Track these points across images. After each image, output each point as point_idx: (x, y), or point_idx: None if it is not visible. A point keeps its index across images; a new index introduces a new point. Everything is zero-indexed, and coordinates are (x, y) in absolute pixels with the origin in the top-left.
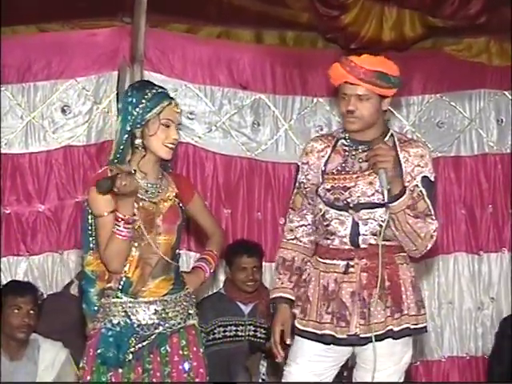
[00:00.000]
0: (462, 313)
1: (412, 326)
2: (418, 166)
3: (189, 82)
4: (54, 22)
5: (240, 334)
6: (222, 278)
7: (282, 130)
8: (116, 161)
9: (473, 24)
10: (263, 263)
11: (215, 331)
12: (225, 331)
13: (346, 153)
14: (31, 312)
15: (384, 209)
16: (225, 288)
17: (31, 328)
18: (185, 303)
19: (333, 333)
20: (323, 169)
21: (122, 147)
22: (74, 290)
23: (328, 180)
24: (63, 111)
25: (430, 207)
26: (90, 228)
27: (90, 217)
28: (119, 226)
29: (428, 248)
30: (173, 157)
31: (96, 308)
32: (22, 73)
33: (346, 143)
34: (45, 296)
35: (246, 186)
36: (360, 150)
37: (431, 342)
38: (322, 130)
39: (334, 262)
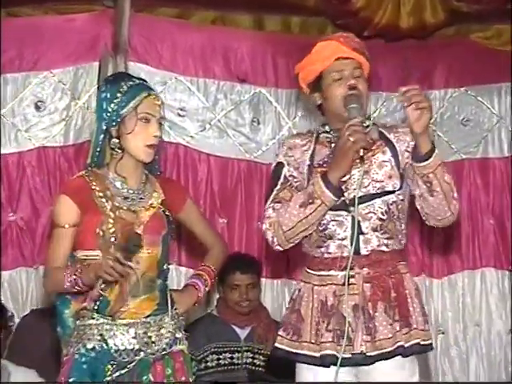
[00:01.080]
0: (490, 336)
1: (422, 342)
2: (412, 140)
3: (179, 75)
4: (25, 5)
5: (236, 361)
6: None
7: (285, 129)
8: (94, 165)
9: (502, 8)
10: (263, 280)
11: (208, 359)
12: (219, 359)
13: (332, 144)
14: None
15: (382, 198)
16: (218, 309)
17: None
18: (171, 326)
19: (334, 352)
20: (309, 163)
21: (98, 149)
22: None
23: (317, 174)
24: (37, 107)
25: None
26: None
27: None
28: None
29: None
30: (159, 157)
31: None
32: None
33: (329, 135)
34: (15, 317)
35: (245, 191)
36: None
37: (455, 370)
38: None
39: (331, 272)
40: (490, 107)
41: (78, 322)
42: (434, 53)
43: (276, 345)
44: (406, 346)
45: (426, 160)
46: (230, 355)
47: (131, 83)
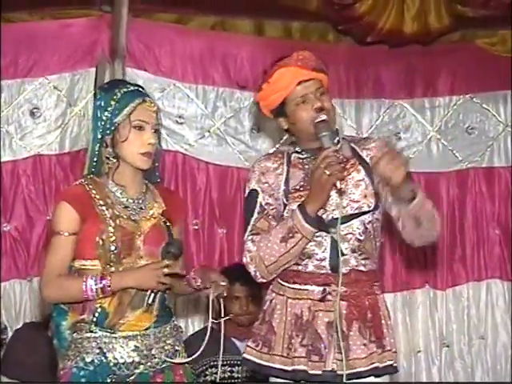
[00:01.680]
0: (496, 349)
1: (394, 364)
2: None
3: (178, 81)
4: (20, 10)
5: (236, 375)
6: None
7: (286, 136)
8: (91, 175)
9: (508, 14)
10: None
11: (207, 372)
12: (217, 372)
13: (306, 166)
14: None
15: (360, 218)
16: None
17: None
18: (171, 338)
19: (305, 368)
20: (284, 188)
21: (95, 159)
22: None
23: (294, 199)
24: (32, 114)
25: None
26: None
27: None
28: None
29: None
30: (158, 164)
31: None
32: None
33: (301, 156)
34: (8, 329)
35: None
36: None
37: None
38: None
39: (307, 287)
40: (496, 115)
41: (75, 335)
42: (438, 59)
43: (244, 355)
44: (381, 366)
45: (413, 200)
46: (229, 369)
47: (125, 90)
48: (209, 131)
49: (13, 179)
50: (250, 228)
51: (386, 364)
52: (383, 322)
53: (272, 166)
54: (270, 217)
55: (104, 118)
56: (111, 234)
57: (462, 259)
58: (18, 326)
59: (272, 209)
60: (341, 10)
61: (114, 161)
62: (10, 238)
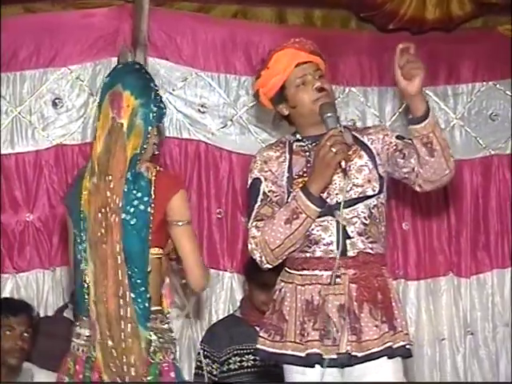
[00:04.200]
0: None
1: (407, 346)
2: (385, 135)
3: (200, 70)
4: (43, 0)
5: (259, 363)
6: (238, 296)
7: None
8: None
9: None
10: None
11: (230, 361)
12: (241, 361)
13: (307, 152)
14: (25, 334)
15: (364, 202)
16: (241, 310)
17: (24, 353)
18: None
19: (319, 351)
20: (288, 175)
21: None
22: (68, 314)
23: (297, 184)
24: (54, 104)
25: None
26: None
27: None
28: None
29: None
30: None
31: None
32: (7, 60)
33: (302, 143)
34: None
35: None
36: None
37: (485, 372)
38: (355, 124)
39: (316, 272)
40: None
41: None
42: (460, 46)
43: (258, 346)
44: (394, 347)
45: (424, 120)
46: (252, 357)
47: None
48: (231, 120)
49: (35, 170)
50: (253, 215)
51: (398, 345)
52: (393, 303)
53: (274, 155)
54: (274, 203)
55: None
56: None
57: (486, 247)
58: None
59: (275, 196)
60: None
61: None
62: (32, 228)
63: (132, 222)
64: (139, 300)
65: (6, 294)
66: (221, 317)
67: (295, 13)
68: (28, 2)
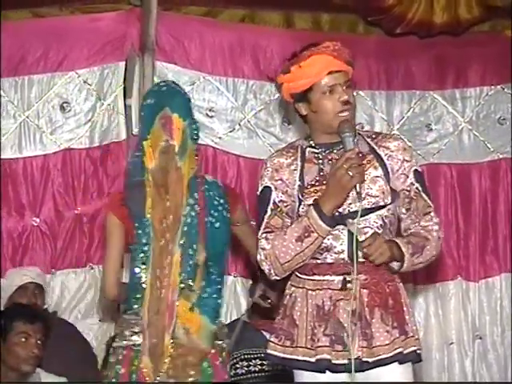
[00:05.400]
0: None
1: (418, 351)
2: (405, 160)
3: (208, 74)
4: (50, 5)
5: (266, 368)
6: (241, 300)
7: None
8: None
9: None
10: None
11: (237, 365)
12: (249, 365)
13: (320, 160)
14: (39, 342)
15: (376, 212)
16: (248, 314)
17: (38, 360)
18: None
19: (329, 357)
20: (300, 184)
21: None
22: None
23: (309, 194)
24: (62, 109)
25: (429, 202)
26: None
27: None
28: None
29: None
30: None
31: None
32: (15, 65)
33: (315, 150)
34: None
35: None
36: (335, 153)
37: (494, 376)
38: (363, 128)
39: (327, 277)
40: None
41: None
42: (468, 49)
43: (268, 351)
44: (405, 352)
45: (401, 267)
46: (260, 362)
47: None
48: (239, 124)
49: (42, 174)
50: (263, 225)
51: (409, 350)
52: (405, 308)
53: (285, 162)
54: (284, 214)
55: None
56: None
57: (495, 251)
58: None
59: (286, 206)
60: (370, 1)
61: None
62: (38, 233)
63: (216, 226)
64: (215, 295)
65: None
66: (224, 320)
67: (303, 17)
68: (36, 6)
